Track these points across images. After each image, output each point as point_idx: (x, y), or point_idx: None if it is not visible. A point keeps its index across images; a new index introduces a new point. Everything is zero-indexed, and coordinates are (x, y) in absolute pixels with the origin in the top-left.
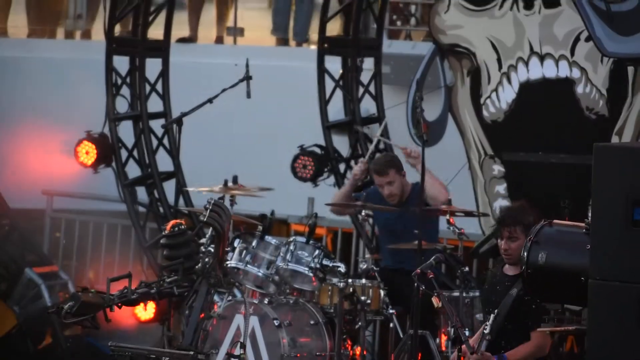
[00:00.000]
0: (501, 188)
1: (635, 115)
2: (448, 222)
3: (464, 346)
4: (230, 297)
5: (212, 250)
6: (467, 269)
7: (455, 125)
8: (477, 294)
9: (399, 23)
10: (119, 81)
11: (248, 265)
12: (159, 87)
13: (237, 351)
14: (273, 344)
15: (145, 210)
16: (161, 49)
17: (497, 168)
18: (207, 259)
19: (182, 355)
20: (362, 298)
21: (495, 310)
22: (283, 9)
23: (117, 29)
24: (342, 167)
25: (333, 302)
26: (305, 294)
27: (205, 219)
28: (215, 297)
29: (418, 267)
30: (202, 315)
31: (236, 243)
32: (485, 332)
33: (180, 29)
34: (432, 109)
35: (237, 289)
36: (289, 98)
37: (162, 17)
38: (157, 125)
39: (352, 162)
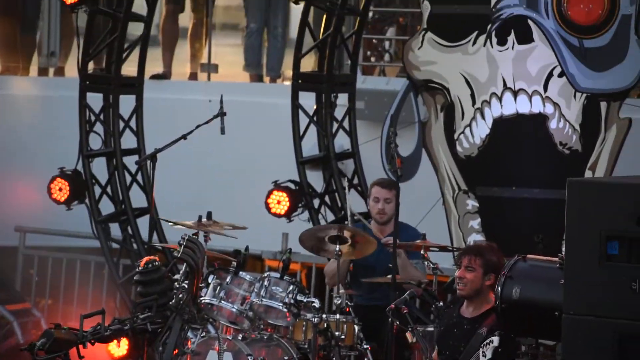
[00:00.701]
0: (475, 223)
1: (609, 150)
2: (422, 256)
3: None
4: (204, 333)
5: (186, 286)
6: (441, 303)
7: (429, 160)
8: None
9: (373, 59)
10: (93, 118)
11: (222, 301)
12: (132, 123)
13: None
14: None
15: (118, 247)
16: (135, 86)
17: (471, 203)
18: (181, 295)
19: None
20: (337, 333)
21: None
22: (255, 45)
23: (91, 66)
24: (316, 202)
25: (307, 337)
26: (279, 330)
27: (179, 255)
28: (189, 334)
29: (392, 302)
30: (176, 351)
31: (210, 279)
32: None
33: (154, 65)
34: (406, 144)
35: (211, 325)
36: (263, 134)
37: (135, 54)
38: (131, 161)
39: (326, 198)
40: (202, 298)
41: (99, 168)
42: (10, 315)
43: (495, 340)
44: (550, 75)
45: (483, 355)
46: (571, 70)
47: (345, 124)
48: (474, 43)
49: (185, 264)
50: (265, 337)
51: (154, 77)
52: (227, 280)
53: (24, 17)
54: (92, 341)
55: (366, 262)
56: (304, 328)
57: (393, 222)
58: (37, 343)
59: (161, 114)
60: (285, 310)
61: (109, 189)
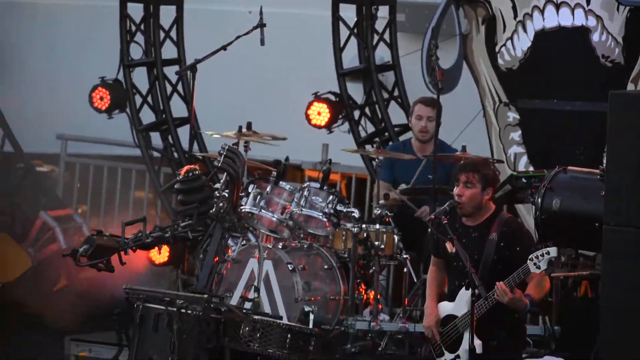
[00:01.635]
0: (516, 135)
1: None
2: None
3: (502, 285)
4: (244, 242)
5: (227, 195)
6: None
7: (470, 73)
8: None
9: None
10: (133, 28)
11: (262, 210)
12: (173, 34)
13: (251, 295)
14: (287, 287)
15: (159, 156)
16: None
17: (512, 115)
18: (221, 204)
19: (196, 299)
20: (376, 243)
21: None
22: None
23: None
24: (356, 114)
25: (347, 246)
26: (319, 239)
27: (219, 165)
28: (230, 241)
29: (432, 213)
30: (217, 259)
31: (250, 188)
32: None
33: None
34: (447, 56)
35: (251, 234)
36: (303, 46)
37: None
38: (171, 71)
39: (367, 109)
40: (242, 207)
41: (140, 78)
42: (52, 221)
43: (553, 250)
44: None
45: (536, 267)
46: None
47: (386, 36)
48: None
49: (225, 173)
50: (305, 246)
51: None
52: (268, 189)
53: None
54: (134, 248)
55: (407, 179)
56: (343, 237)
57: (433, 141)
58: (79, 249)
59: (201, 24)
60: (325, 219)
61: (149, 99)
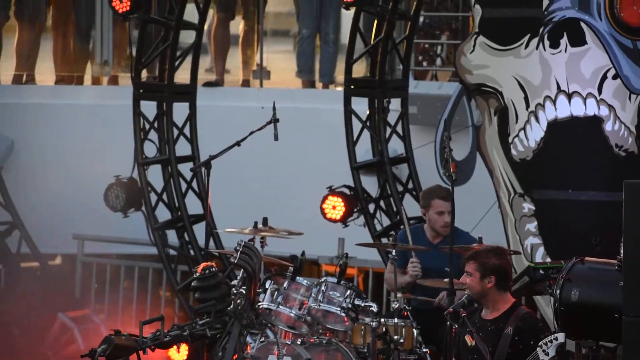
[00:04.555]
0: (532, 226)
1: None
2: None
3: None
4: (262, 338)
5: (244, 291)
6: None
7: (484, 164)
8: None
9: (425, 64)
10: (147, 126)
11: (280, 306)
12: (186, 130)
13: None
14: None
15: (175, 253)
16: (188, 93)
17: (527, 206)
18: (239, 301)
19: None
20: (395, 337)
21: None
22: (307, 52)
23: (144, 74)
24: (371, 207)
25: (366, 341)
26: (338, 334)
27: (236, 261)
28: (248, 339)
29: (450, 306)
30: (235, 356)
31: (267, 284)
32: None
33: (207, 73)
34: (460, 148)
35: (270, 330)
36: (316, 140)
37: (188, 62)
38: (185, 168)
39: (382, 202)
40: (260, 303)
41: (155, 175)
42: (70, 322)
43: (561, 336)
44: (604, 77)
45: (545, 354)
46: (625, 72)
47: (399, 128)
48: (527, 46)
49: (242, 269)
50: (324, 342)
51: (207, 84)
52: (285, 285)
53: (77, 27)
54: (152, 347)
55: (423, 267)
56: (362, 332)
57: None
58: (97, 349)
59: (214, 120)
60: (343, 314)
61: (164, 196)
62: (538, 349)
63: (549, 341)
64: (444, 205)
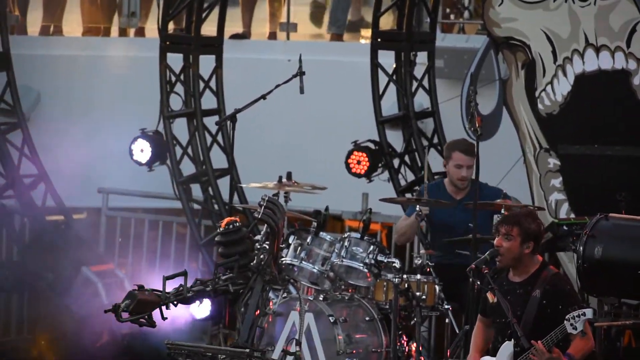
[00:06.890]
0: (557, 182)
1: None
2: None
3: (539, 344)
4: (285, 294)
5: (267, 247)
6: None
7: (509, 118)
8: None
9: (452, 16)
10: (173, 78)
11: (303, 262)
12: (212, 84)
13: (293, 348)
14: (328, 340)
15: (200, 208)
16: (215, 46)
17: (553, 161)
18: (262, 256)
19: (238, 353)
20: (418, 294)
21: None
22: (344, 5)
23: (171, 26)
24: (396, 162)
25: (388, 298)
26: (360, 290)
27: (259, 216)
28: (271, 294)
29: (473, 262)
30: (258, 312)
31: (291, 240)
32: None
33: (234, 25)
34: (487, 102)
35: (292, 286)
36: (342, 93)
37: (215, 14)
38: (211, 122)
39: (406, 157)
40: (283, 259)
41: (180, 129)
42: (94, 277)
43: (589, 312)
44: (633, 30)
45: (573, 328)
46: None
47: (425, 82)
48: None
49: (265, 224)
50: (346, 298)
51: (234, 36)
52: (308, 240)
53: None
54: (175, 302)
55: (445, 222)
56: (384, 288)
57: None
58: (120, 304)
59: (241, 74)
60: (366, 270)
61: (189, 150)
62: (566, 321)
63: (577, 315)
64: (463, 159)
